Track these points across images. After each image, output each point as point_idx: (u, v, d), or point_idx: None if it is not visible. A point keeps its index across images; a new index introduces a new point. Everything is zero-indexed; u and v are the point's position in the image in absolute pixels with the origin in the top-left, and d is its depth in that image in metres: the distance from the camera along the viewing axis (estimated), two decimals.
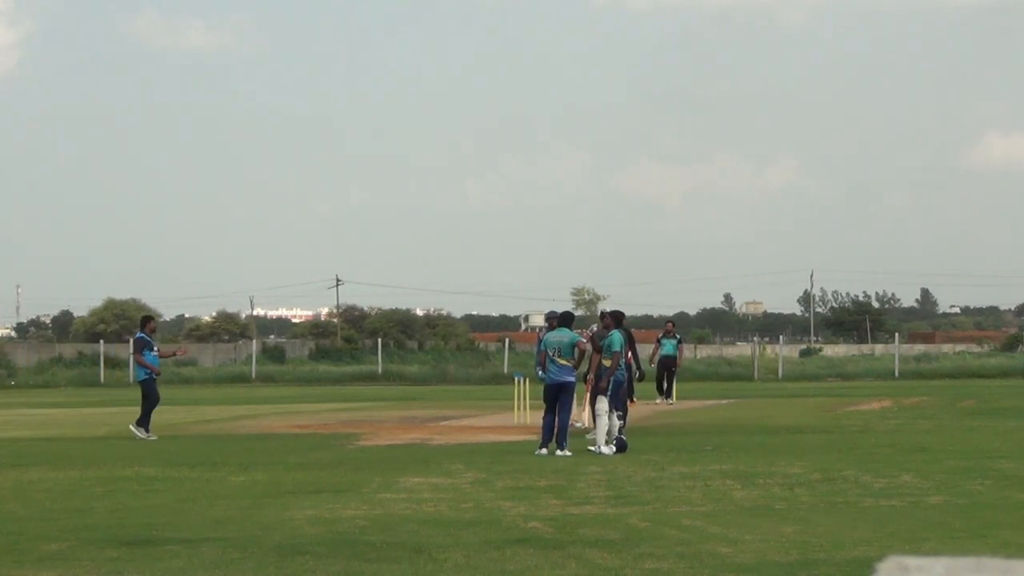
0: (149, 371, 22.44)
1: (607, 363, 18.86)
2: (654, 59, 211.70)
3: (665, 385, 32.32)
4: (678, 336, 33.11)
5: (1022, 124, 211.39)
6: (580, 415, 22.34)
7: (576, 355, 18.63)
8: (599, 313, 22.10)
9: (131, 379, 23.11)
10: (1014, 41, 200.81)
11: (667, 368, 32.25)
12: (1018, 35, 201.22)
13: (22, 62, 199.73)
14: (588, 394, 19.89)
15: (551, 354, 18.50)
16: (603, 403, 18.61)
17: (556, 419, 18.30)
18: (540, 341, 20.01)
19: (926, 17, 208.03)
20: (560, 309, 20.22)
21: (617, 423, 18.80)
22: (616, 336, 19.18)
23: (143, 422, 22.23)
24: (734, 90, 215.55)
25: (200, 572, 9.14)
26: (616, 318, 20.08)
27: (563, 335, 18.62)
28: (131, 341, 23.27)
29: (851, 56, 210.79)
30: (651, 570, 9.02)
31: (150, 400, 22.29)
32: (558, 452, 17.99)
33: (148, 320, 24.24)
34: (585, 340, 19.16)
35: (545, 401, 18.63)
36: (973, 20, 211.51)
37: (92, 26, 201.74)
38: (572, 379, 18.53)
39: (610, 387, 18.73)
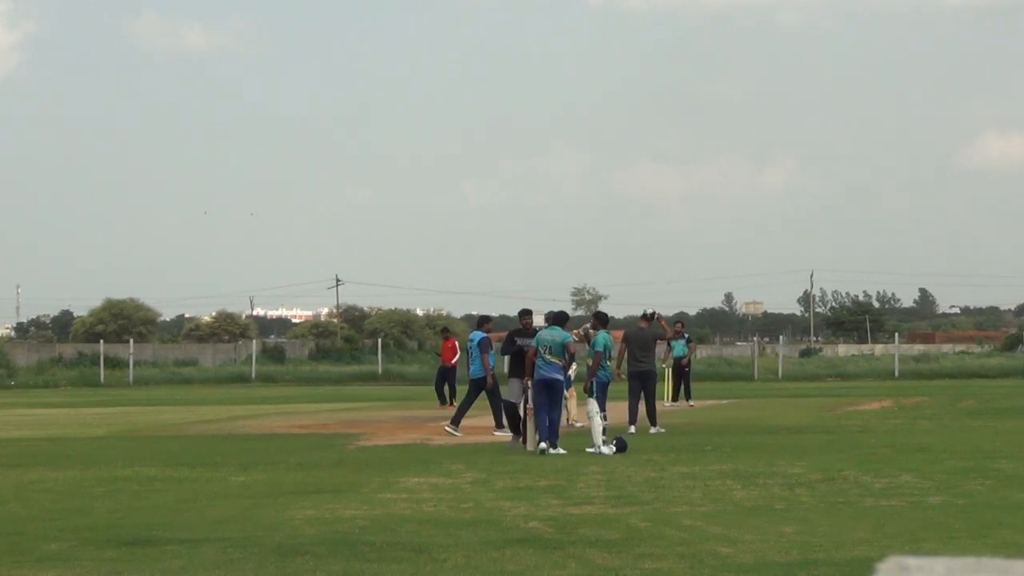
0: (486, 371, 21.80)
1: (589, 363, 18.98)
2: (653, 59, 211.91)
3: (682, 387, 32.17)
4: (687, 335, 32.92)
5: (1020, 124, 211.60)
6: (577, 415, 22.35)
7: (567, 355, 18.64)
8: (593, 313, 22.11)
9: (469, 374, 22.30)
10: (1012, 41, 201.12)
11: (679, 370, 32.04)
12: (1016, 35, 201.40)
13: (22, 64, 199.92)
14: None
15: (542, 351, 18.52)
16: (592, 404, 18.64)
17: (548, 416, 18.33)
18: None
19: (924, 17, 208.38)
20: (560, 309, 20.23)
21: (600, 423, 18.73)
22: (600, 337, 19.25)
23: (498, 421, 21.76)
24: (734, 90, 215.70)
25: (200, 572, 9.14)
26: (600, 319, 20.13)
27: (555, 334, 18.64)
28: (476, 342, 21.96)
29: (850, 56, 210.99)
30: (651, 570, 9.02)
31: (498, 397, 21.65)
32: (551, 451, 18.01)
33: (486, 320, 23.38)
34: (576, 339, 19.21)
35: (533, 398, 18.66)
36: (971, 20, 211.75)
37: (91, 28, 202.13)
38: (560, 377, 18.56)
39: (595, 387, 18.80)
